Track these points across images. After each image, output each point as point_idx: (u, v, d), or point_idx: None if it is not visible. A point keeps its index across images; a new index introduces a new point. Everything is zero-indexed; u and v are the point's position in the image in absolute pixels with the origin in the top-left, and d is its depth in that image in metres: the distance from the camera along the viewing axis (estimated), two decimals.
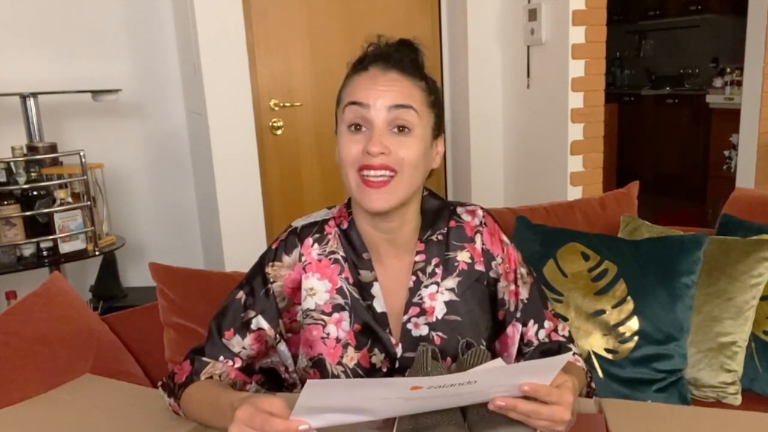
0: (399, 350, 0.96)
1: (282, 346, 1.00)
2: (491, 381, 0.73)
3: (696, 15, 5.32)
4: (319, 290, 0.98)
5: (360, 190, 0.90)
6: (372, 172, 0.88)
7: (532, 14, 2.78)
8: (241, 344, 0.97)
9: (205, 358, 0.96)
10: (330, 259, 0.99)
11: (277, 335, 0.99)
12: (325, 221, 1.01)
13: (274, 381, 1.05)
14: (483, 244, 1.02)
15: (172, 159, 3.02)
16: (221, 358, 0.97)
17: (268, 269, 0.99)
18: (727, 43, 5.07)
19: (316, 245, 0.99)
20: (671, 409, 1.01)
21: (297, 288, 0.99)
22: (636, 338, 1.42)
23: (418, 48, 0.96)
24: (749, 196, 1.83)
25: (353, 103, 0.89)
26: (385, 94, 0.88)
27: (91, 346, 1.26)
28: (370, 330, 0.97)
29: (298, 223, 1.02)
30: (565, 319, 1.45)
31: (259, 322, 0.97)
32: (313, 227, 1.01)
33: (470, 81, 2.99)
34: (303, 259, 0.99)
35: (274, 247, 1.01)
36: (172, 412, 0.99)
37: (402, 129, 0.89)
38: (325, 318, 0.97)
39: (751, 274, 1.44)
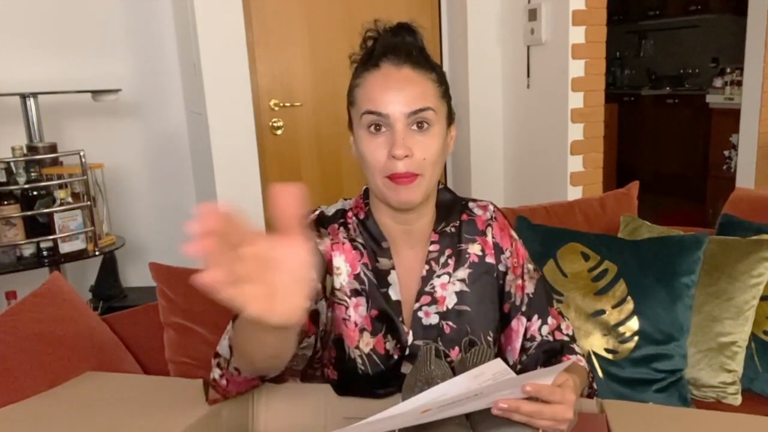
0: (410, 338, 0.97)
1: (323, 304, 0.96)
2: (496, 390, 0.74)
3: (696, 15, 5.32)
4: (343, 272, 0.99)
5: (387, 188, 0.92)
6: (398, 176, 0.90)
7: (532, 14, 2.78)
8: None
9: None
10: (352, 245, 1.00)
11: (322, 290, 0.96)
12: (345, 211, 1.04)
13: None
14: (493, 237, 1.04)
15: (172, 159, 3.02)
16: None
17: None
18: (727, 43, 5.07)
19: (342, 229, 1.01)
20: (672, 411, 1.01)
21: (330, 261, 0.99)
22: (636, 338, 1.42)
23: (417, 31, 0.98)
24: (749, 196, 1.83)
25: (371, 112, 0.91)
26: (401, 98, 0.90)
27: (92, 346, 1.26)
28: (386, 316, 0.98)
29: (324, 209, 1.04)
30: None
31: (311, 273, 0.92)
32: (336, 215, 1.03)
33: (470, 81, 2.99)
34: (331, 238, 1.00)
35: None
36: (213, 396, 0.94)
37: (421, 125, 0.91)
38: (348, 300, 0.99)
39: (751, 274, 1.44)
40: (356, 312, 0.98)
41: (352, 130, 0.98)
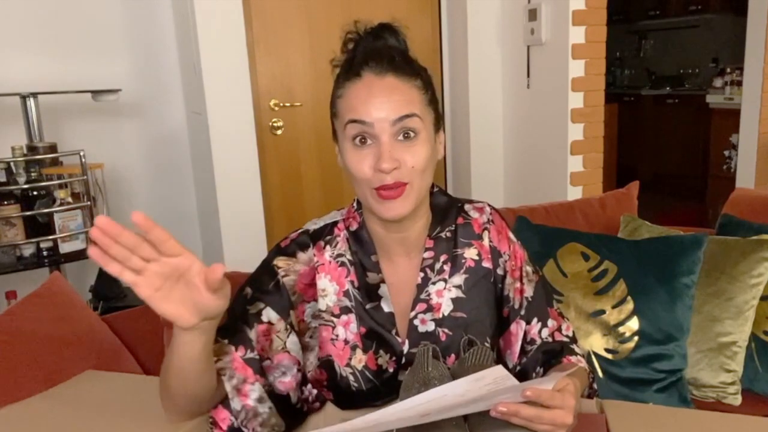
0: (406, 347, 0.96)
1: (293, 339, 0.96)
2: (496, 393, 0.74)
3: (696, 15, 5.32)
4: (329, 292, 0.98)
5: (376, 202, 0.90)
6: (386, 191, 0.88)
7: (532, 14, 2.78)
8: (248, 334, 0.93)
9: None
10: (338, 262, 0.98)
11: (288, 326, 0.95)
12: (335, 224, 1.01)
13: (285, 408, 0.97)
14: (490, 241, 1.02)
15: (172, 159, 3.02)
16: (225, 341, 0.90)
17: (278, 262, 0.97)
18: (727, 43, 5.07)
19: (327, 247, 0.99)
20: (672, 412, 1.01)
21: (310, 285, 0.98)
22: (636, 338, 1.42)
23: (399, 31, 0.95)
24: (749, 196, 1.83)
25: (355, 121, 0.89)
26: (385, 106, 0.87)
27: (92, 346, 1.26)
28: (375, 333, 0.97)
29: (310, 226, 1.02)
30: None
31: (269, 314, 0.94)
32: (324, 230, 1.01)
33: (470, 81, 2.99)
34: (315, 260, 0.98)
35: (284, 244, 1.00)
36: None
37: (408, 135, 0.89)
38: (335, 320, 0.97)
39: (751, 274, 1.44)
40: (347, 329, 0.97)
41: (337, 141, 0.95)
